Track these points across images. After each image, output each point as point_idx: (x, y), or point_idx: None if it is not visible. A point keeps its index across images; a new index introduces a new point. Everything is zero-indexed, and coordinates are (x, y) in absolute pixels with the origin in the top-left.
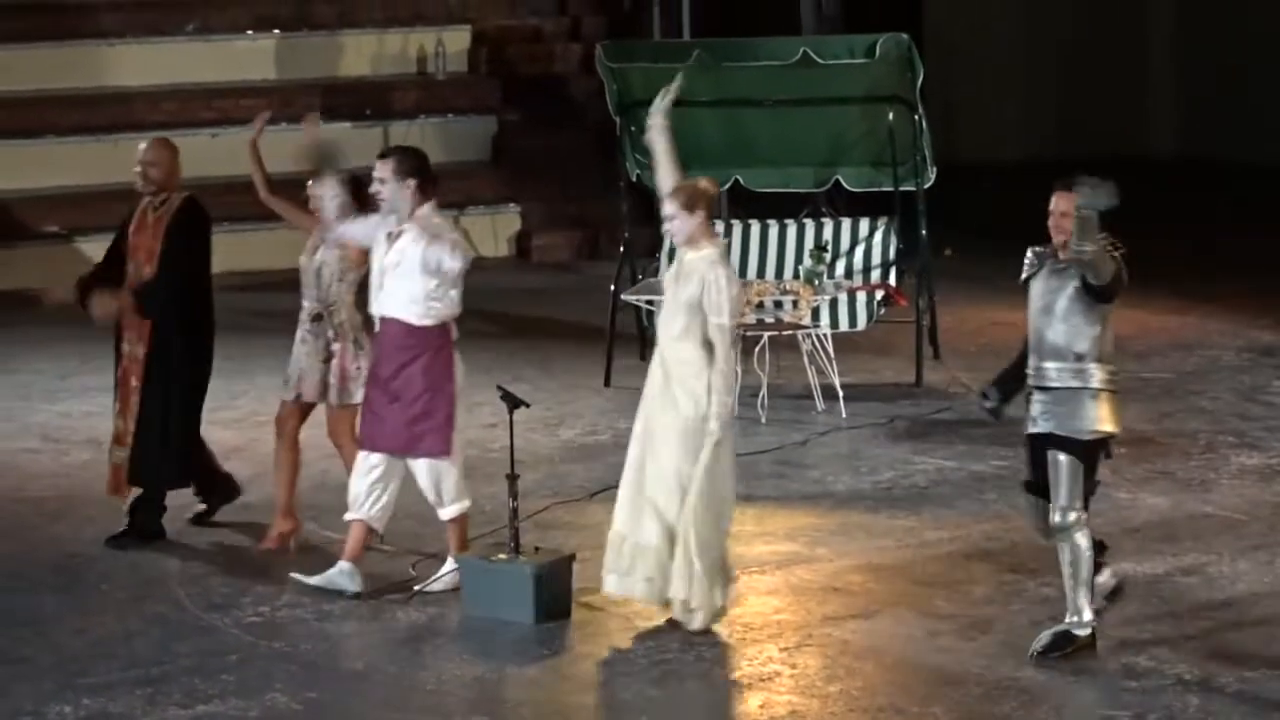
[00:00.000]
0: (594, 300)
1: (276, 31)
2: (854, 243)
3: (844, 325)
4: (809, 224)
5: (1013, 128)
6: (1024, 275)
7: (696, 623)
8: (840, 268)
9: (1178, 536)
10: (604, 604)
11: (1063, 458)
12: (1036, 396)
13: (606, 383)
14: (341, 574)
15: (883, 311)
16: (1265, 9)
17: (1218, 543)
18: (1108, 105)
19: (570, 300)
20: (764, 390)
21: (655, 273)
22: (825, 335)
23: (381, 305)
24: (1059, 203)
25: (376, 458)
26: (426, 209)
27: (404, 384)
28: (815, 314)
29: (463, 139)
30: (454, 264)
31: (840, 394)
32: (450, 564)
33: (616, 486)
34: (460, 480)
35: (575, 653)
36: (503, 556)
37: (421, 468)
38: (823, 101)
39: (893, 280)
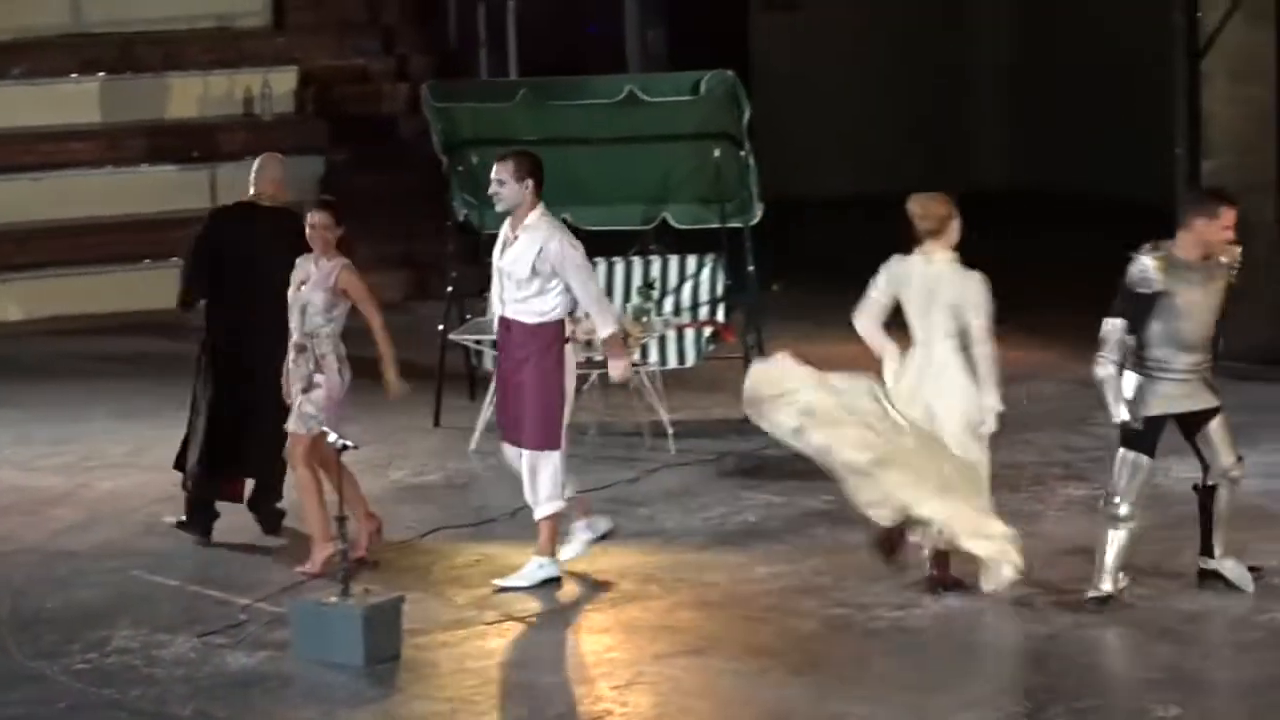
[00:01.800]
0: (422, 340)
1: (101, 74)
2: (682, 280)
3: (673, 362)
4: (637, 262)
5: (841, 162)
6: (1159, 285)
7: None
8: (669, 305)
9: None
10: (434, 645)
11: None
12: (1192, 382)
13: (436, 423)
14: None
15: (711, 348)
16: (1090, 41)
17: (1047, 574)
18: (936, 138)
19: (399, 340)
20: (593, 428)
21: (483, 312)
22: (654, 372)
23: (504, 308)
24: (1228, 216)
25: (513, 451)
26: (538, 211)
27: (519, 381)
28: (644, 351)
29: (290, 180)
30: (573, 252)
31: (670, 431)
32: (533, 563)
33: (447, 527)
34: (556, 481)
35: (406, 694)
36: (332, 599)
37: (524, 460)
38: (650, 139)
39: (721, 317)
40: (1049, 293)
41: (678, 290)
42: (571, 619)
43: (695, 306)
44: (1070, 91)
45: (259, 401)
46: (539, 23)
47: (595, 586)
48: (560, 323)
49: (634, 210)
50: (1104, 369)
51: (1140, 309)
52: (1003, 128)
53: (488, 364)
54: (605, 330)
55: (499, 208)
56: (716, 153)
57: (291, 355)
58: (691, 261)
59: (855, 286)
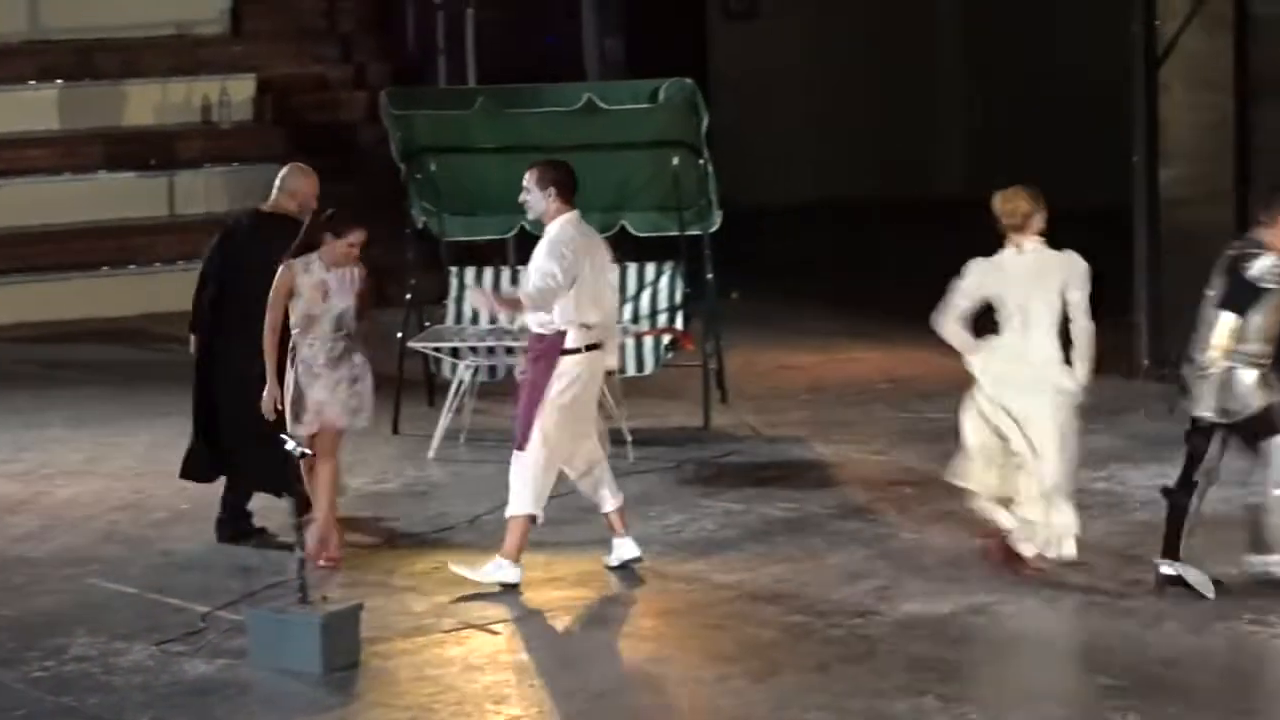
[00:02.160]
0: (381, 348)
1: (59, 82)
2: (640, 287)
3: (631, 370)
4: None
5: (801, 170)
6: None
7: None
8: (627, 312)
9: (963, 576)
10: (393, 653)
11: None
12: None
13: (395, 430)
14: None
15: (670, 355)
16: (1049, 49)
17: (1002, 581)
18: (896, 145)
19: None
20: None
21: (442, 319)
22: (613, 380)
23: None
24: None
25: None
26: (559, 220)
27: (520, 384)
28: None
29: (248, 187)
30: (542, 248)
31: (628, 438)
32: (493, 563)
33: (409, 535)
34: (526, 483)
35: (364, 702)
36: (291, 606)
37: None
38: (608, 147)
39: (679, 324)
40: None
41: (636, 298)
42: (529, 625)
43: (654, 314)
44: (1031, 98)
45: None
46: (497, 30)
47: (553, 593)
48: (561, 334)
49: (592, 218)
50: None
51: (1252, 304)
52: (962, 135)
53: (446, 371)
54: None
55: (529, 216)
56: (675, 160)
57: (321, 361)
58: (650, 269)
59: (814, 294)
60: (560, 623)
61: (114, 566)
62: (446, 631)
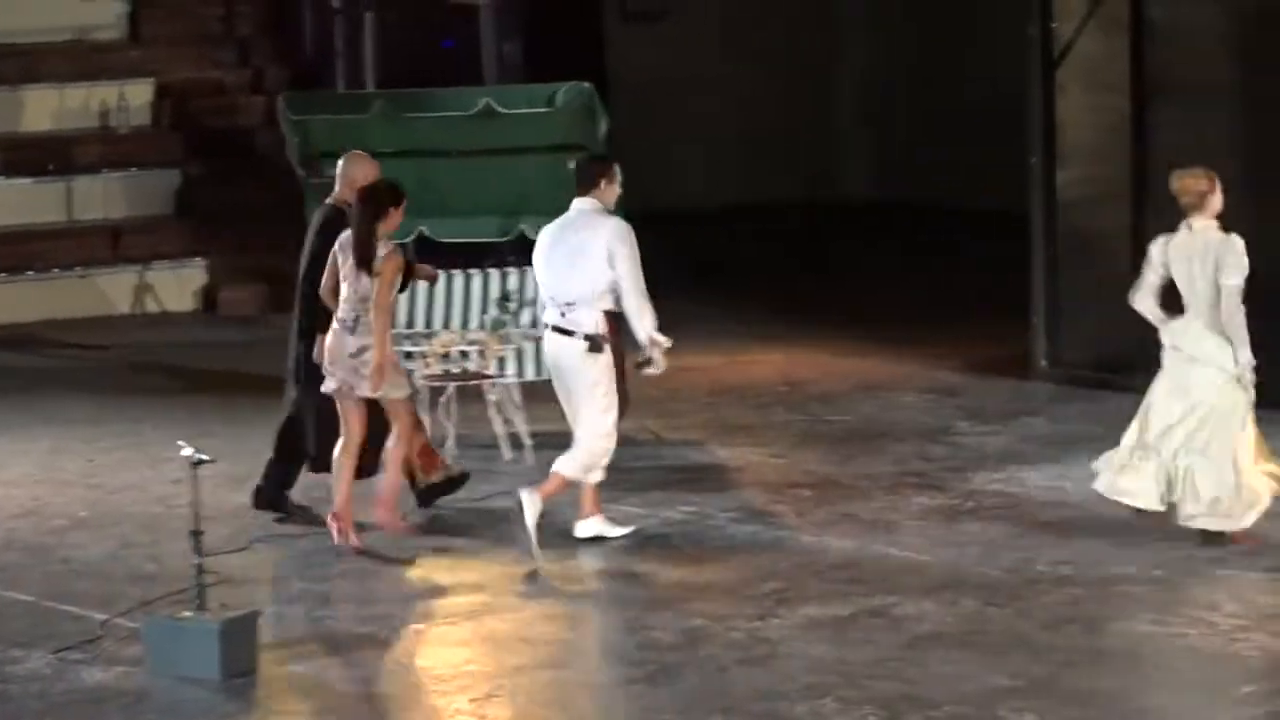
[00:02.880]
0: (281, 353)
1: None
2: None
3: (530, 374)
4: (494, 274)
5: (704, 173)
6: None
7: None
8: (526, 317)
9: (862, 578)
10: (291, 659)
11: None
12: None
13: None
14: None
15: None
16: (953, 53)
17: (901, 583)
18: (799, 149)
19: (258, 353)
20: (450, 440)
21: None
22: (513, 385)
23: None
24: None
25: None
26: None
27: None
28: (502, 364)
29: (147, 193)
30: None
31: (528, 443)
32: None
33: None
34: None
35: (263, 709)
36: (188, 614)
37: None
38: (506, 152)
39: None
40: (910, 303)
41: (535, 302)
42: (431, 631)
43: None
44: (934, 101)
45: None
46: (396, 35)
47: (455, 598)
48: None
49: (491, 222)
50: None
51: None
52: (867, 139)
53: None
54: None
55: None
56: (571, 165)
57: (345, 325)
58: None
59: (716, 297)
60: (459, 627)
61: (11, 574)
62: (345, 637)
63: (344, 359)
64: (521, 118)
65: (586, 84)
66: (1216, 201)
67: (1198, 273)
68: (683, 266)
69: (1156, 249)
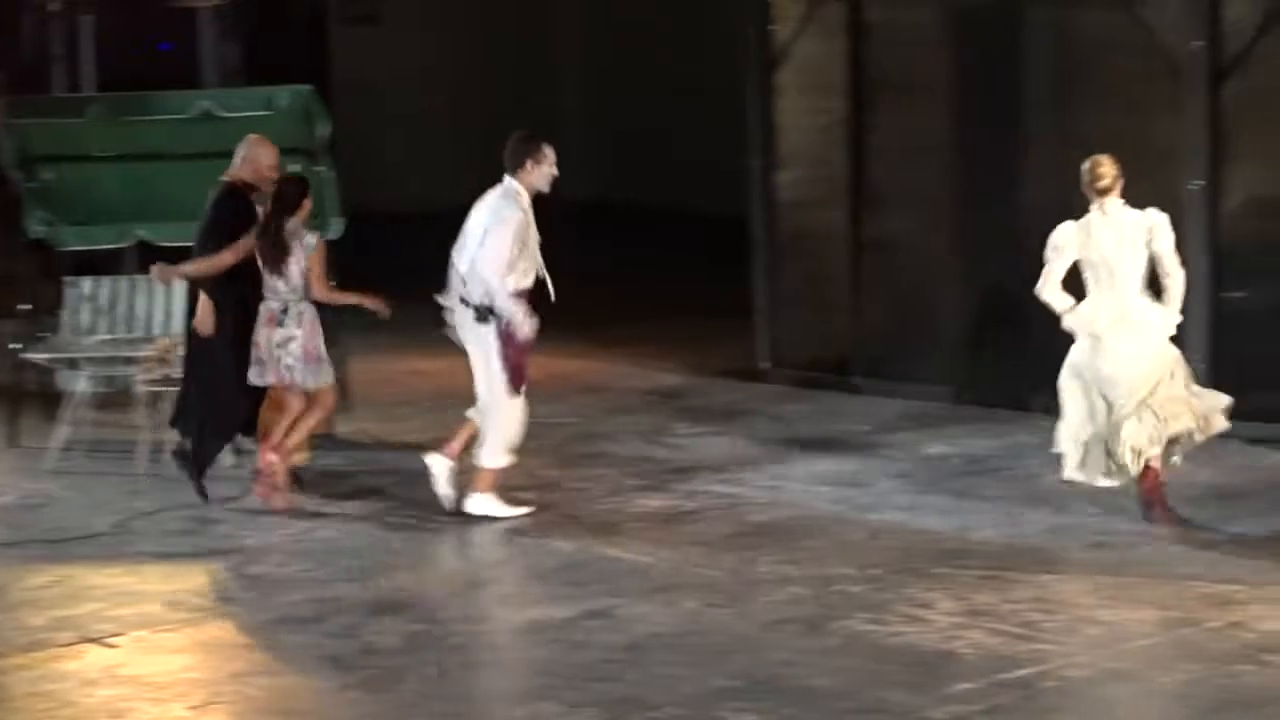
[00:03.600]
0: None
1: None
2: None
3: None
4: None
5: (426, 174)
6: None
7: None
8: None
9: (584, 580)
10: (8, 669)
11: None
12: None
13: (12, 443)
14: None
15: None
16: (673, 54)
17: (623, 585)
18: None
19: None
20: (152, 446)
21: (59, 329)
22: None
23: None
24: None
25: None
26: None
27: None
28: None
29: None
30: None
31: (243, 448)
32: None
33: (25, 548)
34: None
35: None
36: None
37: None
38: (227, 155)
39: None
40: (631, 305)
41: None
42: (149, 638)
43: None
44: (654, 102)
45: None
46: (116, 38)
47: (173, 605)
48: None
49: None
50: None
51: None
52: (589, 139)
53: (63, 383)
54: None
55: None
56: (295, 168)
57: (272, 315)
58: None
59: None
60: (178, 634)
61: None
62: (63, 646)
63: (272, 349)
64: (241, 121)
65: (307, 87)
66: (1121, 185)
67: (1126, 249)
68: (402, 268)
69: (1068, 236)
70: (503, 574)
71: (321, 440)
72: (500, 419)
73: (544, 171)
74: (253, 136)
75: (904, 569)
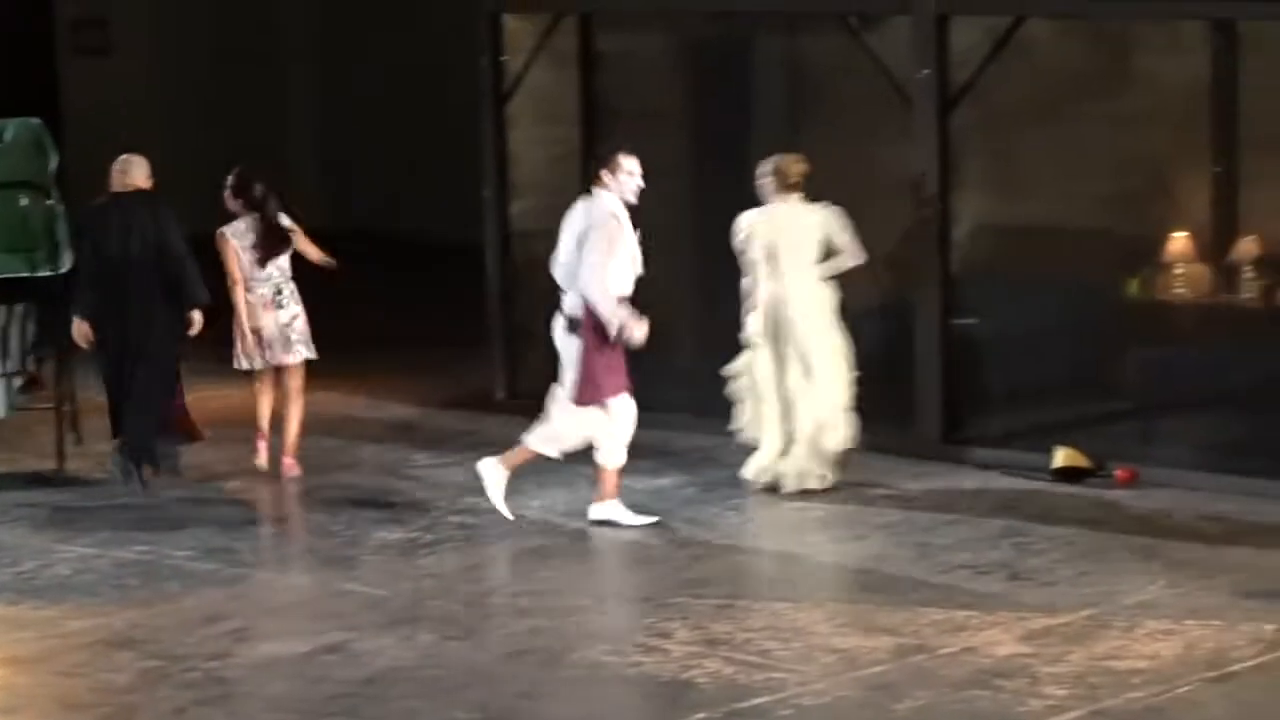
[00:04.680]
0: None
1: None
2: None
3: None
4: None
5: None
6: None
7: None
8: None
9: (321, 615)
10: None
11: None
12: None
13: None
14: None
15: (23, 398)
16: (405, 82)
17: (360, 619)
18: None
19: None
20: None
21: None
22: None
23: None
24: None
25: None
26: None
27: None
28: None
29: None
30: None
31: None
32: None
33: None
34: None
35: None
36: None
37: None
38: None
39: (32, 366)
40: (366, 337)
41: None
42: None
43: (5, 356)
44: (387, 131)
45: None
46: None
47: None
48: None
49: None
50: None
51: None
52: (319, 168)
53: None
54: None
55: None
56: (23, 201)
57: (268, 300)
58: (1, 311)
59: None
60: None
61: None
62: None
63: (280, 329)
64: None
65: (35, 120)
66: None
67: (805, 243)
68: None
69: (750, 228)
70: (238, 609)
71: (54, 474)
72: (572, 424)
73: (622, 181)
74: (130, 156)
75: (642, 598)
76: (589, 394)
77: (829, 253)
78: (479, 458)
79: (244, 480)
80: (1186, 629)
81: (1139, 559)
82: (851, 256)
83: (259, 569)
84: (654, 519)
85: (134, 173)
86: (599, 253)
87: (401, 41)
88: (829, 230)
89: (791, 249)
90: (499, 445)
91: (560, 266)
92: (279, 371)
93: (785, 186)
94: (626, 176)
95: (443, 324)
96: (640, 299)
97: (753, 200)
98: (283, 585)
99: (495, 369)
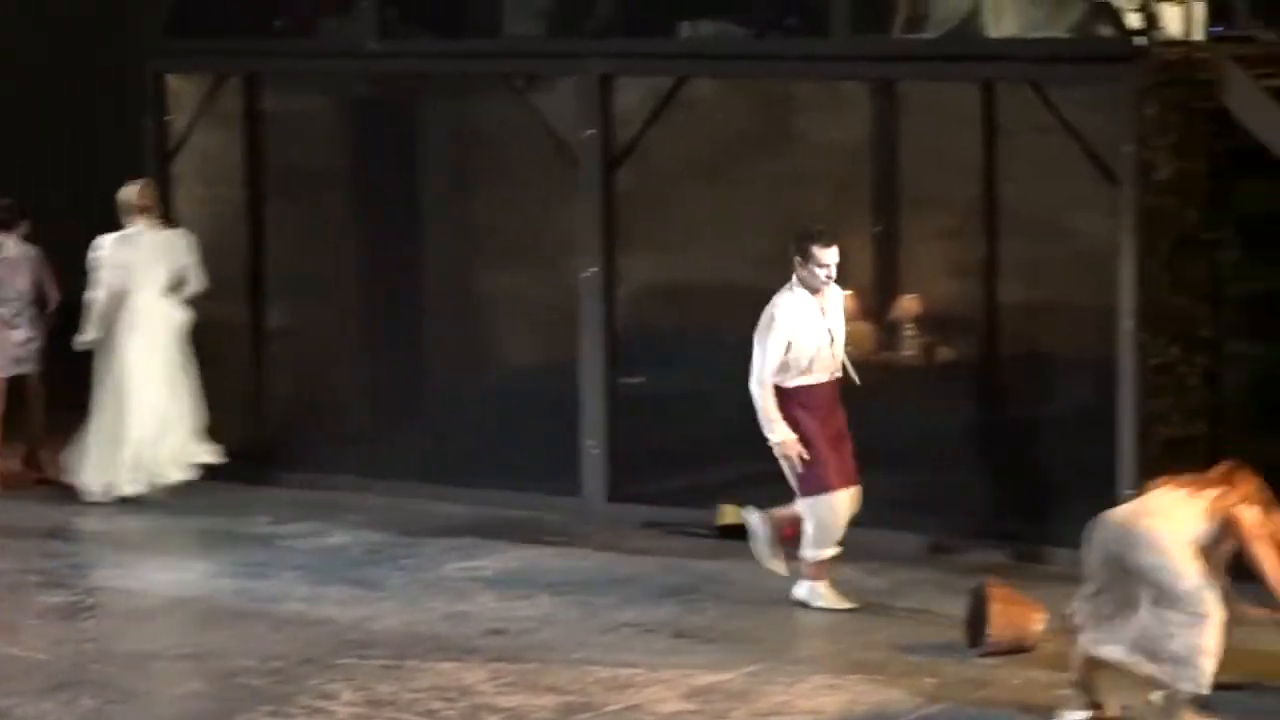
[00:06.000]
0: None
1: None
2: None
3: None
4: None
5: None
6: None
7: None
8: None
9: None
10: None
11: None
12: None
13: None
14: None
15: None
16: (61, 145)
17: (20, 684)
18: None
19: None
20: None
21: None
22: None
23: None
24: None
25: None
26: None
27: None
28: None
29: None
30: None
31: None
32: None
33: None
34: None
35: None
36: None
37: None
38: None
39: None
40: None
41: None
42: None
43: None
44: (35, 197)
45: None
46: None
47: None
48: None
49: None
50: None
51: None
52: None
53: None
54: None
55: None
56: None
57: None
58: None
59: None
60: None
61: None
62: None
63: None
64: None
65: None
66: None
67: (157, 268)
68: None
69: (105, 254)
70: None
71: None
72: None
73: (811, 271)
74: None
75: (306, 660)
76: (813, 483)
77: (181, 278)
78: (141, 521)
79: None
80: (849, 683)
81: (800, 615)
82: (197, 282)
83: None
84: (854, 604)
85: None
86: (763, 350)
87: (70, 98)
88: (179, 255)
89: (144, 272)
90: (161, 508)
91: None
92: None
93: (137, 210)
94: (817, 267)
95: None
96: (304, 361)
97: (420, 265)
98: None
99: None
